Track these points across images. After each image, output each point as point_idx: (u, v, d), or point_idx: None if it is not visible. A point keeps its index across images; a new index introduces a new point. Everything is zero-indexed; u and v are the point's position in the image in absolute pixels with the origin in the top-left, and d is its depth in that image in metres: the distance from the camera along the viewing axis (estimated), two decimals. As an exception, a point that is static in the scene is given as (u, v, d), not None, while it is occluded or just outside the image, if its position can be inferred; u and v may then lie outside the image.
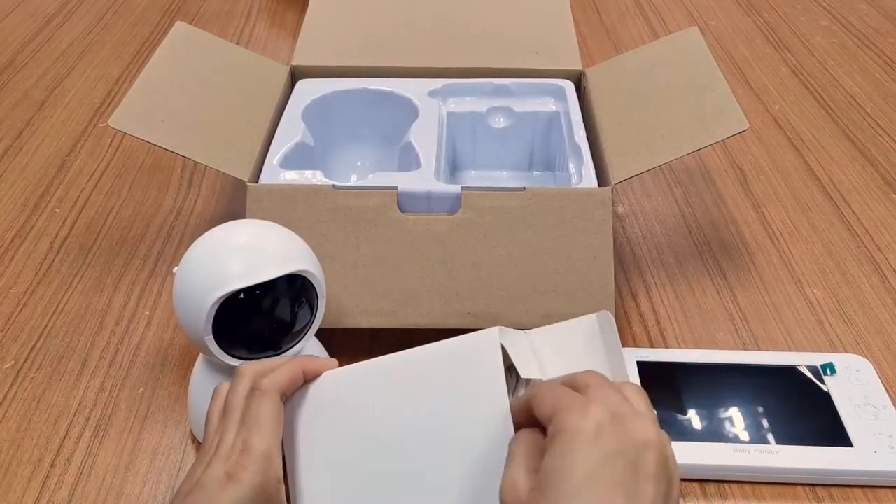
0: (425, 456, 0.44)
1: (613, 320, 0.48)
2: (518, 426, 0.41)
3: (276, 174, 0.67)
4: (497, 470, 0.39)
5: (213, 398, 0.48)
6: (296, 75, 0.81)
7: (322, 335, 0.59)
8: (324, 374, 0.48)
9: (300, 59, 0.82)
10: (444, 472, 0.43)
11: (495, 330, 0.44)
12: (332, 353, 0.60)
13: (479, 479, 0.42)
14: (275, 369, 0.47)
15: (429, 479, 0.44)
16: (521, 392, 0.47)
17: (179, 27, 0.77)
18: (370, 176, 0.67)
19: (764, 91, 1.03)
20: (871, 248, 0.78)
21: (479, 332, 0.45)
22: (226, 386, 0.48)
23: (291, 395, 0.48)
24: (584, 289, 0.63)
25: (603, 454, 0.36)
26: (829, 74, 1.06)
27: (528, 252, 0.64)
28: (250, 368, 0.47)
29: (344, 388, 0.47)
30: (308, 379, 0.48)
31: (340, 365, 0.49)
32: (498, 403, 0.42)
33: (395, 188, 0.65)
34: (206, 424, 0.47)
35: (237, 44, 0.98)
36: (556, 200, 0.64)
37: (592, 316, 0.49)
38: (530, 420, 0.40)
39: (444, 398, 0.44)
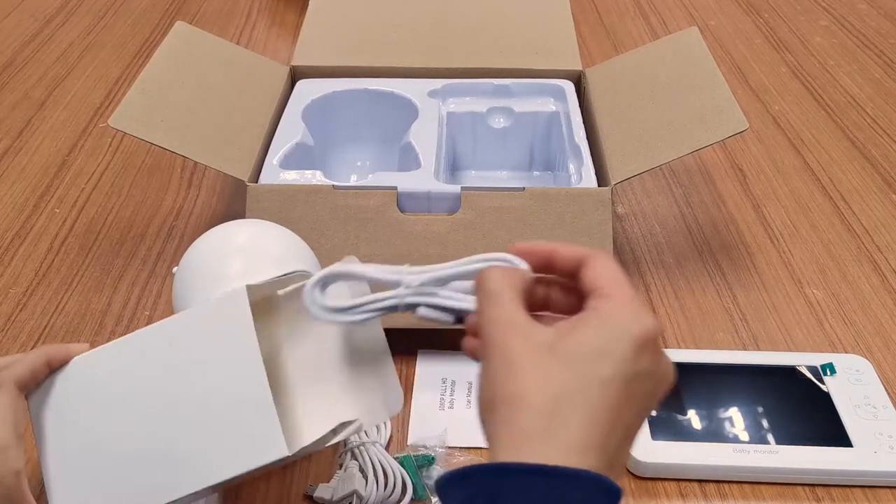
0: (182, 418, 0.45)
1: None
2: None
3: (275, 174, 0.67)
4: (250, 417, 0.42)
5: None
6: (296, 75, 0.81)
7: (322, 335, 0.58)
8: (73, 360, 0.48)
9: (300, 59, 0.82)
10: (201, 428, 0.44)
11: (242, 287, 0.45)
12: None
13: (236, 429, 0.44)
14: (14, 363, 0.47)
15: (187, 439, 0.44)
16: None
17: (179, 27, 0.77)
18: (370, 176, 0.67)
19: (764, 91, 1.03)
20: (871, 249, 0.78)
21: (228, 291, 0.46)
22: None
23: (39, 386, 0.48)
24: (583, 289, 0.63)
25: (639, 367, 0.34)
26: (829, 75, 1.06)
27: (528, 252, 0.64)
28: None
29: (93, 369, 0.48)
30: (55, 367, 0.48)
31: None
32: (249, 352, 0.43)
33: (395, 188, 0.65)
34: None
35: (237, 44, 0.97)
36: (556, 200, 0.64)
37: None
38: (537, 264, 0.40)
39: (195, 356, 0.45)
